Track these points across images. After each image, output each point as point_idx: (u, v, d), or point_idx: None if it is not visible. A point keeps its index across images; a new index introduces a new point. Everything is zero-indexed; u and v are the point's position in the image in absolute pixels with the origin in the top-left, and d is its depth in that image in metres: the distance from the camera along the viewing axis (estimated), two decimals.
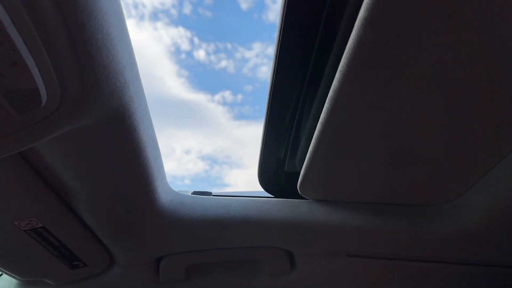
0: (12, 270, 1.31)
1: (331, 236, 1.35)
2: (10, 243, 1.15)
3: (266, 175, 1.36)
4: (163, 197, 1.19)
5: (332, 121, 0.92)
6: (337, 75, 0.80)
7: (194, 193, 1.35)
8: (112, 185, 1.01)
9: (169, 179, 1.25)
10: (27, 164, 0.92)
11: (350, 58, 0.74)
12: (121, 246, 1.31)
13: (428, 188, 1.18)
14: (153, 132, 0.97)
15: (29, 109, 0.64)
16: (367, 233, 1.33)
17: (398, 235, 1.33)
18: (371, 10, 0.64)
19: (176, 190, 1.29)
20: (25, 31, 0.52)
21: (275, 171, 1.34)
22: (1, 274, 1.54)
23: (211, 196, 1.33)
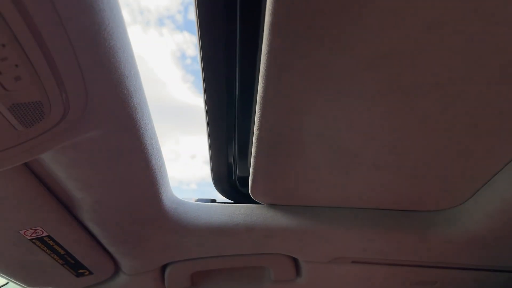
0: (18, 278, 1.32)
1: (336, 242, 1.35)
2: (16, 252, 1.16)
3: (220, 181, 1.35)
4: (168, 205, 1.20)
5: (265, 126, 0.92)
6: (260, 81, 0.80)
7: (199, 200, 1.36)
8: (116, 195, 1.01)
9: (175, 184, 1.25)
10: (32, 174, 0.93)
11: (267, 64, 0.74)
12: (126, 254, 1.31)
13: (434, 193, 1.18)
14: (156, 140, 0.97)
15: (33, 122, 0.64)
16: (372, 239, 1.32)
17: (403, 241, 1.32)
18: (275, 15, 0.65)
19: (181, 197, 1.30)
20: (28, 46, 0.53)
21: (228, 176, 1.33)
22: (7, 283, 1.54)
23: (216, 204, 1.33)
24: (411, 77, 0.77)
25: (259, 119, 0.89)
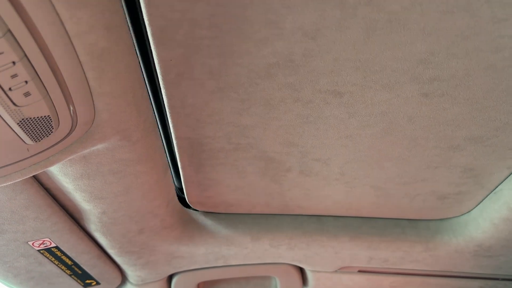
0: None
1: (342, 251, 1.34)
2: (24, 263, 1.17)
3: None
4: (174, 215, 1.20)
5: (181, 136, 0.93)
6: (163, 91, 0.81)
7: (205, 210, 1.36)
8: (123, 206, 1.03)
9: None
10: (41, 186, 0.94)
11: (163, 73, 0.76)
12: (133, 264, 1.32)
13: (439, 202, 1.18)
14: (162, 152, 0.98)
15: (42, 136, 0.66)
16: (378, 249, 1.32)
17: (410, 250, 1.32)
18: (154, 27, 0.67)
19: (186, 208, 1.30)
20: (37, 62, 0.54)
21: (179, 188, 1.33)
22: None
23: (221, 213, 1.33)
24: (309, 86, 0.79)
25: (173, 129, 0.91)
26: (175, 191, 1.18)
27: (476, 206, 1.20)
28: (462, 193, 1.13)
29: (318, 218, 1.32)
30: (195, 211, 1.31)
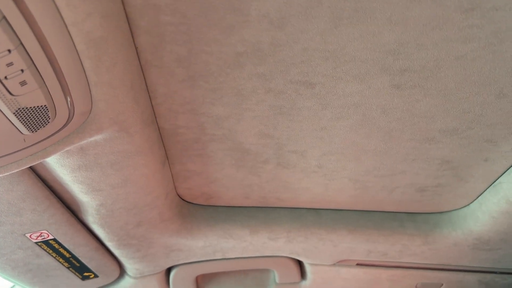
0: (24, 281, 1.33)
1: (340, 244, 1.34)
2: (22, 255, 1.16)
3: None
4: (172, 207, 1.20)
5: (164, 125, 0.94)
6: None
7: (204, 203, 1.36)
8: (121, 198, 1.02)
9: None
10: (38, 178, 0.93)
11: (141, 60, 0.76)
12: (131, 257, 1.32)
13: (438, 195, 1.18)
14: (160, 144, 0.98)
15: (39, 126, 0.65)
16: (377, 242, 1.32)
17: (408, 243, 1.32)
18: (132, 12, 0.67)
19: (185, 200, 1.30)
20: (33, 51, 0.54)
21: None
22: (14, 286, 1.55)
23: (220, 206, 1.33)
24: (280, 76, 0.79)
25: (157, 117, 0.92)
26: (173, 184, 1.17)
27: (475, 199, 1.20)
28: (441, 186, 1.13)
29: (317, 211, 1.32)
30: (193, 204, 1.30)
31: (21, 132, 0.64)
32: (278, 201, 1.25)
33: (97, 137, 0.79)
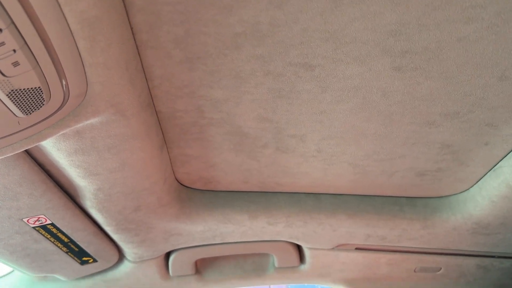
0: (23, 266, 1.33)
1: (339, 229, 1.34)
2: (20, 240, 1.16)
3: None
4: (171, 192, 1.19)
5: (161, 109, 0.93)
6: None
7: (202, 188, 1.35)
8: (118, 182, 1.01)
9: None
10: (34, 162, 0.92)
11: (137, 40, 0.75)
12: (129, 241, 1.32)
13: (438, 180, 1.17)
14: (158, 127, 0.96)
15: (33, 108, 0.63)
16: (376, 226, 1.32)
17: (407, 228, 1.32)
18: None
19: (184, 185, 1.29)
20: (26, 31, 0.52)
21: None
22: (13, 271, 1.55)
23: (219, 191, 1.32)
24: (279, 58, 0.77)
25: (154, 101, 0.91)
26: (171, 169, 1.16)
27: (475, 183, 1.19)
28: (441, 170, 1.12)
29: (316, 196, 1.32)
30: (192, 189, 1.29)
31: (15, 115, 0.63)
32: (277, 185, 1.24)
33: (93, 120, 0.77)
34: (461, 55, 0.75)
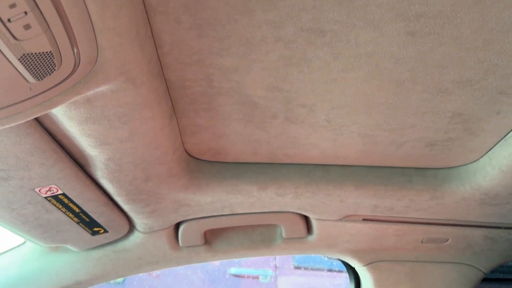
0: (35, 237, 1.35)
1: (347, 200, 1.35)
2: (32, 210, 1.17)
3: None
4: (180, 162, 1.20)
5: (171, 78, 0.92)
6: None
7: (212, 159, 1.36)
8: (129, 152, 1.01)
9: None
10: (45, 131, 0.93)
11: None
12: (140, 212, 1.33)
13: (447, 150, 1.17)
14: (168, 97, 0.96)
15: (44, 74, 0.63)
16: (383, 197, 1.32)
17: (415, 199, 1.32)
18: None
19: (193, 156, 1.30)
20: None
21: None
22: (25, 242, 1.58)
23: (228, 162, 1.33)
24: (290, 23, 0.76)
25: (164, 70, 0.90)
26: (181, 139, 1.16)
27: (485, 154, 1.19)
28: (451, 140, 1.11)
29: (325, 167, 1.32)
30: (201, 160, 1.30)
31: (27, 80, 0.63)
32: (286, 157, 1.24)
33: (104, 88, 0.77)
34: (476, 20, 0.74)
